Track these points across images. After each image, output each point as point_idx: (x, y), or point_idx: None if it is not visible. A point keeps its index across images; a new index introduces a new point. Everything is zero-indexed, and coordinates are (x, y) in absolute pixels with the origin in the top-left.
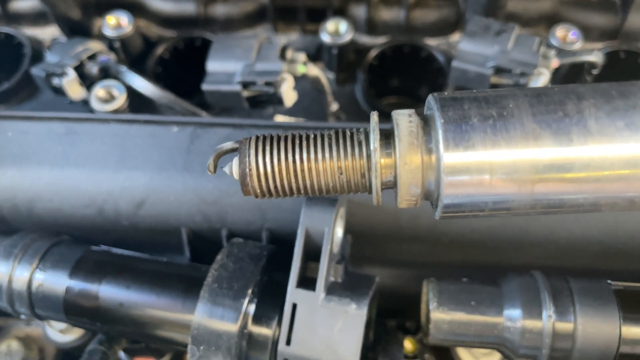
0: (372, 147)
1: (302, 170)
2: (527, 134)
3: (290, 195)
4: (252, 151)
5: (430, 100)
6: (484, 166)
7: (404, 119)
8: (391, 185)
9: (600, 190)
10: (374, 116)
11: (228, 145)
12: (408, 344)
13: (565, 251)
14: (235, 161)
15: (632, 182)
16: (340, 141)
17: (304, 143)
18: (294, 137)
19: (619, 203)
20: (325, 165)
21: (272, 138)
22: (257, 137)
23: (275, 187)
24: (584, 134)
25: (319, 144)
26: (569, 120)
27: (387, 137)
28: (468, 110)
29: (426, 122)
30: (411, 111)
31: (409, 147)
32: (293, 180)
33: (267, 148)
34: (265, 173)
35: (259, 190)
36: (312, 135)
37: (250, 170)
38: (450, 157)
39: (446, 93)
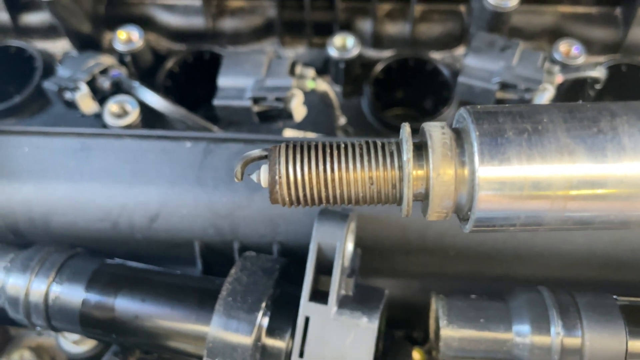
0: (404, 158)
1: (333, 180)
2: (561, 149)
3: (318, 204)
4: (283, 159)
5: (463, 113)
6: (518, 180)
7: (436, 131)
8: (421, 198)
9: (632, 207)
10: (406, 127)
11: (256, 152)
12: (416, 355)
13: (570, 263)
14: (264, 168)
15: None
16: (372, 151)
17: (335, 152)
18: (324, 146)
19: None
20: (356, 175)
21: (302, 146)
22: (288, 145)
23: (305, 195)
24: (618, 150)
25: (350, 154)
26: (603, 137)
27: (419, 148)
28: (503, 124)
29: (458, 135)
30: (443, 123)
31: (443, 159)
32: (323, 189)
33: (298, 156)
34: (295, 181)
35: (287, 199)
36: (343, 145)
37: (280, 178)
38: (486, 170)
39: (478, 107)
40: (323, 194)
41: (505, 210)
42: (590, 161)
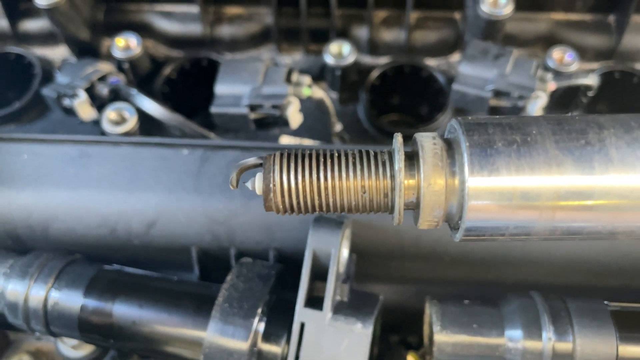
0: (396, 167)
1: (326, 188)
2: (550, 160)
3: (312, 212)
4: (277, 167)
5: (454, 124)
6: (507, 191)
7: (428, 141)
8: (413, 207)
9: (619, 218)
10: (399, 137)
11: (252, 160)
12: (411, 359)
13: (562, 269)
14: (259, 176)
15: None
16: (365, 161)
17: (329, 161)
18: (318, 154)
19: (636, 232)
20: (349, 183)
21: (296, 155)
22: (282, 154)
23: (298, 203)
24: (605, 162)
25: (344, 163)
26: (590, 148)
27: (411, 158)
28: (492, 135)
29: (449, 146)
30: (434, 134)
31: (434, 169)
32: (316, 197)
33: (292, 165)
34: (289, 189)
35: (281, 206)
36: (336, 154)
37: (274, 186)
38: (475, 181)
39: (469, 118)
40: (316, 202)
41: (495, 220)
42: (577, 172)
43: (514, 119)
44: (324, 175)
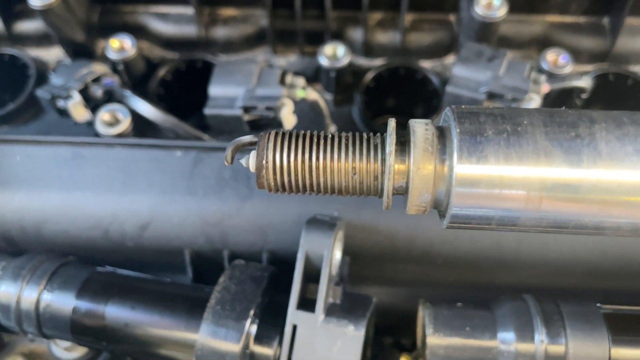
0: (387, 151)
1: (317, 168)
2: (538, 151)
3: (303, 192)
4: (271, 145)
5: (448, 112)
6: (494, 179)
7: (420, 127)
8: (402, 192)
9: (605, 213)
10: (392, 122)
11: (247, 138)
12: None
13: (555, 272)
14: (253, 154)
15: (637, 209)
16: (357, 143)
17: (322, 142)
18: (312, 135)
19: (622, 228)
20: (340, 164)
21: (290, 135)
22: (277, 133)
23: (290, 181)
24: (594, 155)
25: (336, 144)
26: (580, 141)
27: (403, 144)
28: (484, 124)
29: (442, 133)
30: (428, 121)
31: (424, 154)
32: (307, 176)
33: (285, 144)
34: (281, 167)
35: (273, 184)
36: (330, 136)
37: (266, 163)
38: (463, 167)
39: (463, 107)
40: (307, 181)
41: (481, 208)
42: (565, 164)
43: (506, 109)
44: (316, 155)
